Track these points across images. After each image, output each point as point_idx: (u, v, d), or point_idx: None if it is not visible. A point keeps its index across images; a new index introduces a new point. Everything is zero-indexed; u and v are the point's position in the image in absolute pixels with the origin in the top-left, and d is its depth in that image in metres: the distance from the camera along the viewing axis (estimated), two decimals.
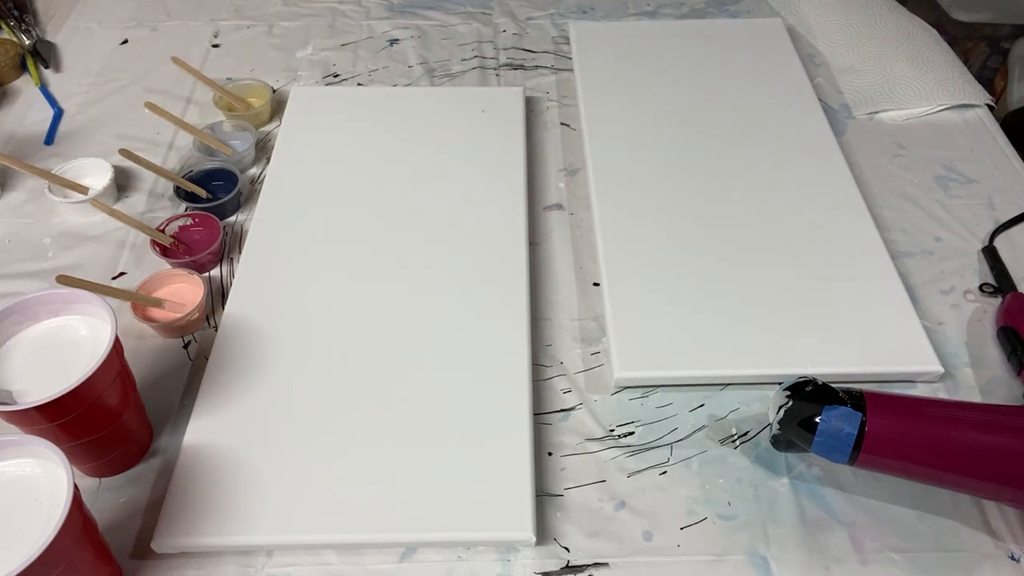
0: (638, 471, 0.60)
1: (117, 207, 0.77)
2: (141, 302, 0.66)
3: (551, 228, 0.77)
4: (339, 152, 0.81)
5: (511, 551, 0.56)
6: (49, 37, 1.00)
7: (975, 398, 0.65)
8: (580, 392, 0.65)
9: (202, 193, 0.76)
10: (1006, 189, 0.81)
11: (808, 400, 0.55)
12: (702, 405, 0.64)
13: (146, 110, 0.79)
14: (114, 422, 0.55)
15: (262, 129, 0.88)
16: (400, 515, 0.55)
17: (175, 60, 0.86)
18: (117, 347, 0.53)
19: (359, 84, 0.93)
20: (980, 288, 0.72)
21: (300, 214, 0.75)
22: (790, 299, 0.68)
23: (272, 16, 1.03)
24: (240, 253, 0.73)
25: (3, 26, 0.99)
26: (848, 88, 0.93)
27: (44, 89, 0.92)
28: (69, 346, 0.53)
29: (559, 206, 0.80)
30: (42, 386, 0.49)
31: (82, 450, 0.55)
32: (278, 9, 1.05)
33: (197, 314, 0.67)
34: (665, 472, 0.60)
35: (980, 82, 0.92)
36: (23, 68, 0.95)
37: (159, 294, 0.68)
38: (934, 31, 0.98)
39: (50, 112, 0.89)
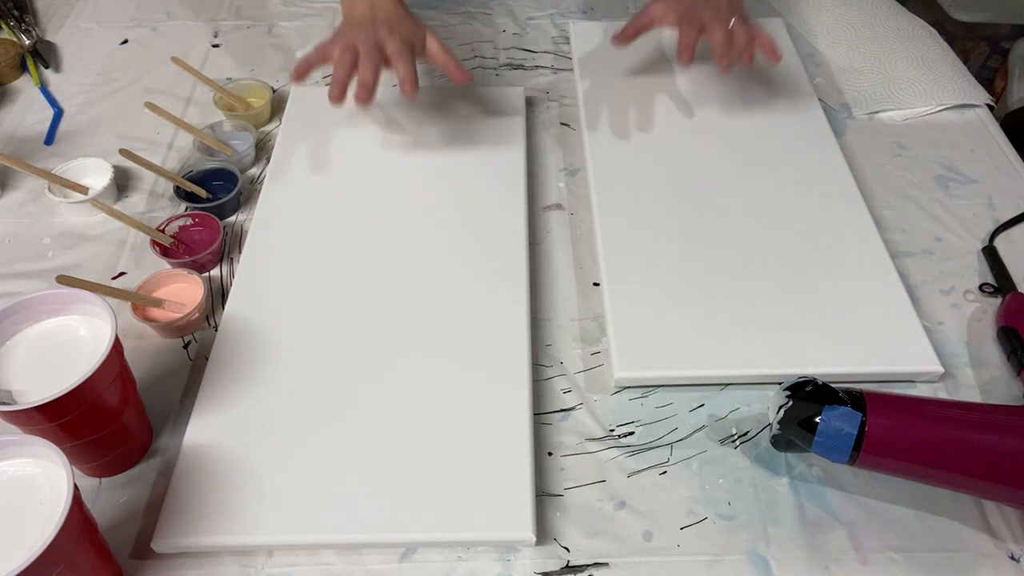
0: (638, 471, 0.60)
1: (117, 207, 0.77)
2: (141, 302, 0.66)
3: (551, 228, 0.77)
4: (339, 152, 0.81)
5: (511, 551, 0.56)
6: (49, 37, 1.00)
7: (975, 398, 0.65)
8: (580, 392, 0.65)
9: (202, 193, 0.76)
10: (1006, 189, 0.81)
11: (808, 400, 0.55)
12: (702, 405, 0.64)
13: (146, 110, 0.79)
14: (114, 422, 0.55)
15: (262, 129, 0.88)
16: (400, 515, 0.55)
17: (175, 60, 0.86)
18: (117, 347, 0.53)
19: None
20: (980, 288, 0.72)
21: (300, 214, 0.75)
22: (790, 299, 0.68)
23: (272, 16, 1.03)
24: (240, 253, 0.73)
25: (3, 26, 0.99)
26: (848, 88, 0.93)
27: (44, 89, 0.92)
28: (69, 346, 0.53)
29: (559, 206, 0.80)
30: (42, 386, 0.49)
31: (82, 450, 0.55)
32: (278, 9, 1.05)
33: (197, 314, 0.67)
34: (665, 472, 0.60)
35: (980, 82, 0.92)
36: (23, 68, 0.95)
37: (159, 294, 0.68)
38: (934, 31, 0.98)
39: (50, 112, 0.89)
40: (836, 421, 0.53)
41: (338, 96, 0.70)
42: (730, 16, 0.76)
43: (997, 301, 0.71)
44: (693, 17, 0.76)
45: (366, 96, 0.69)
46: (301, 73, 0.73)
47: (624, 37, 0.81)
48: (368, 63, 0.69)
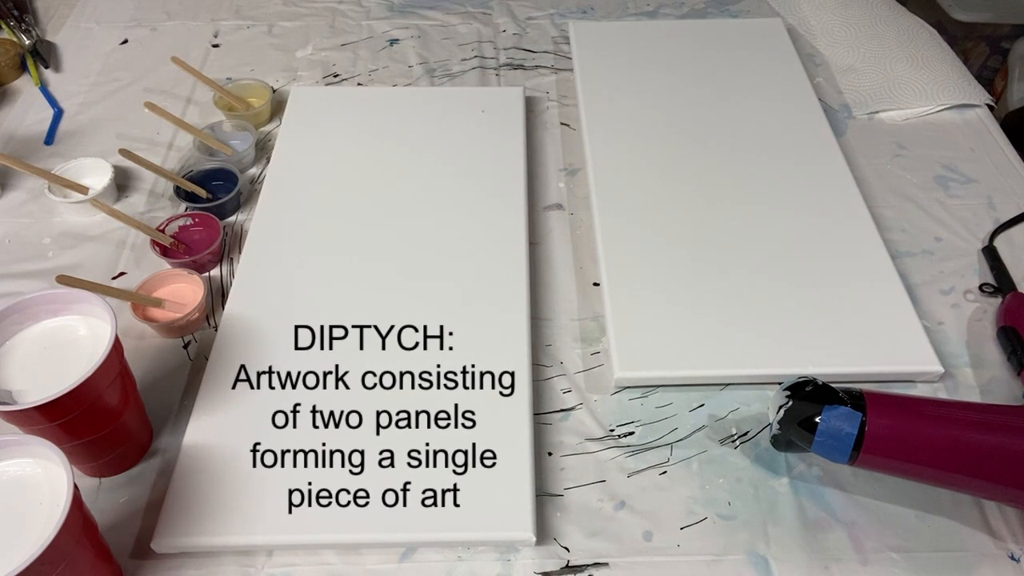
0: (638, 471, 0.60)
1: (117, 207, 0.77)
2: (141, 302, 0.66)
3: (551, 228, 0.77)
4: (339, 152, 0.81)
5: (511, 551, 0.56)
6: (49, 37, 1.00)
7: (975, 398, 0.65)
8: (580, 392, 0.65)
9: (202, 193, 0.76)
10: (1006, 189, 0.81)
11: (808, 400, 0.55)
12: (702, 405, 0.64)
13: (146, 110, 0.79)
14: (114, 422, 0.55)
15: (262, 129, 0.88)
16: (400, 515, 0.55)
17: (175, 60, 0.86)
18: (117, 347, 0.53)
19: (359, 84, 0.93)
20: (980, 288, 0.72)
21: (300, 214, 0.75)
22: (790, 299, 0.68)
23: (272, 16, 1.03)
24: (240, 253, 0.73)
25: (3, 26, 0.99)
26: (848, 88, 0.93)
27: (44, 89, 0.92)
28: (69, 346, 0.53)
29: (559, 206, 0.80)
30: (42, 386, 0.49)
31: (82, 450, 0.55)
32: (278, 9, 1.05)
33: (197, 314, 0.67)
34: (665, 472, 0.60)
35: (980, 82, 0.92)
36: (23, 68, 0.95)
37: (159, 294, 0.68)
38: (934, 31, 0.98)
39: (50, 112, 0.89)
40: (836, 421, 0.53)
41: None
42: None
43: (997, 301, 0.71)
44: None
45: None
46: None
47: None
48: None
